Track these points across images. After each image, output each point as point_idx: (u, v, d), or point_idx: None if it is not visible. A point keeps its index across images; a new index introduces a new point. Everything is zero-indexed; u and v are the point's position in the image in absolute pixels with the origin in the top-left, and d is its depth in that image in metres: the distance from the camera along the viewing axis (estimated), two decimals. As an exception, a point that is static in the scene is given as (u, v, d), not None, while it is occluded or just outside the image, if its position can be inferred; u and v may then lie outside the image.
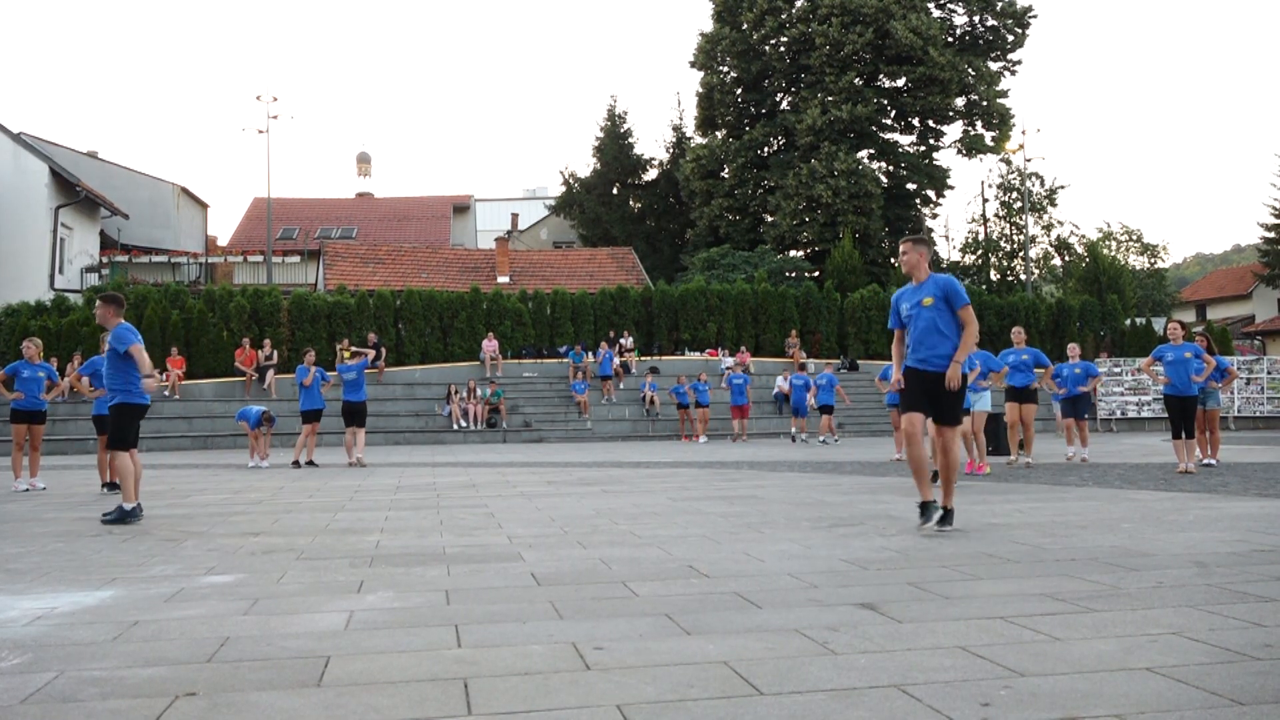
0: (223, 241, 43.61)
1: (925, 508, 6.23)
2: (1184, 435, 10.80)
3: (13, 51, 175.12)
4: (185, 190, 41.65)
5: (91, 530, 6.93)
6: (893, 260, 39.33)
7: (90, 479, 12.51)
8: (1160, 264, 55.12)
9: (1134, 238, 55.75)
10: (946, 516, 6.21)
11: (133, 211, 36.76)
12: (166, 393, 22.55)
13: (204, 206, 44.33)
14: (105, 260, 34.81)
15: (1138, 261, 54.36)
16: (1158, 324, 33.69)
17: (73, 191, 32.11)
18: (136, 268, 35.02)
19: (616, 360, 27.22)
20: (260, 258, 36.96)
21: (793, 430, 21.91)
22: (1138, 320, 34.43)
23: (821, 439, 20.64)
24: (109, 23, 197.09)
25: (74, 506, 8.82)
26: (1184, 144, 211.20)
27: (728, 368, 26.96)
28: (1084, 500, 7.96)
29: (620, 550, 5.55)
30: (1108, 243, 52.98)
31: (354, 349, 21.72)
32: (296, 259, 38.42)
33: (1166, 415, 11.19)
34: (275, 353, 25.03)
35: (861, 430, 24.92)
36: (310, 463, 14.61)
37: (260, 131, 35.10)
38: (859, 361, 29.55)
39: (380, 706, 2.70)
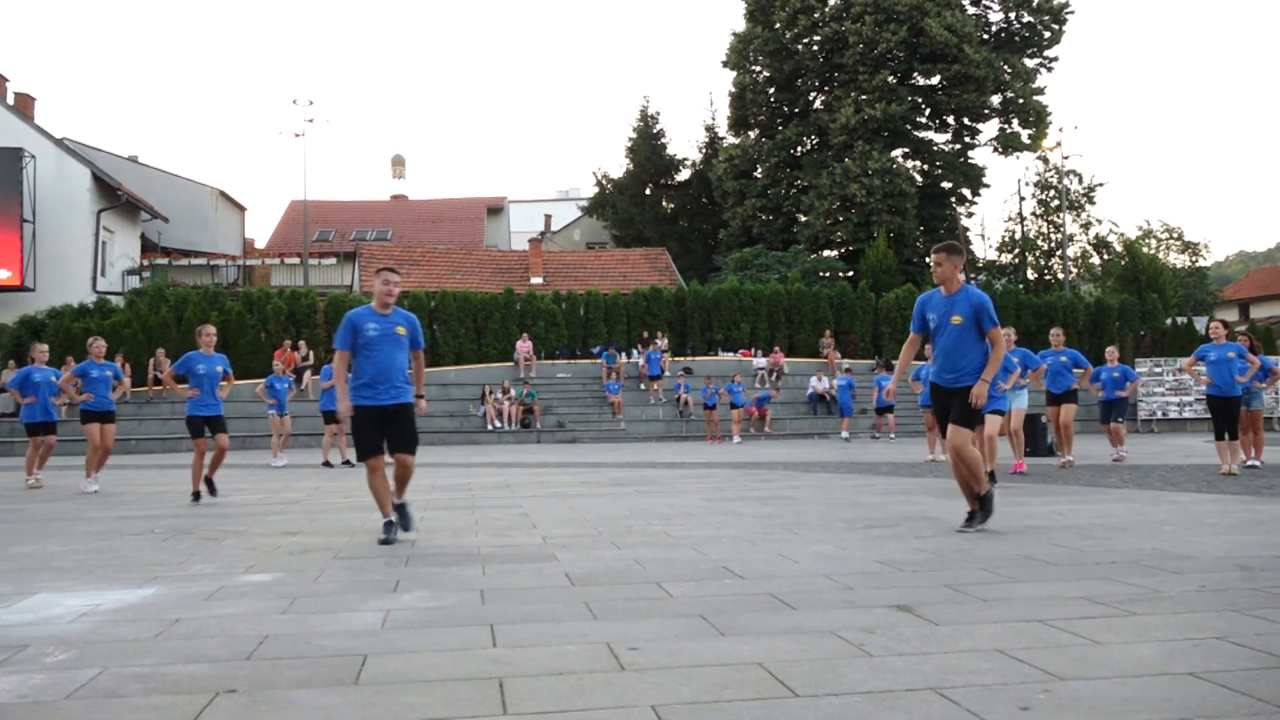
0: (260, 244, 44.16)
1: (971, 516, 6.24)
2: (1227, 436, 10.60)
3: (57, 59, 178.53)
4: (223, 193, 42.21)
5: (133, 529, 7.05)
6: (928, 260, 38.96)
7: (129, 479, 12.70)
8: (1202, 262, 54.09)
9: (1174, 235, 54.78)
10: (981, 503, 6.16)
11: (172, 215, 37.35)
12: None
13: (241, 209, 44.90)
14: (146, 263, 35.41)
15: (1178, 259, 53.39)
16: (1199, 323, 33.09)
17: (114, 195, 32.69)
18: (176, 270, 35.56)
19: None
20: (297, 260, 37.41)
21: (844, 433, 23.15)
22: (1179, 319, 33.86)
23: (892, 435, 22.59)
24: (151, 30, 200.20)
25: (115, 506, 8.97)
26: (1226, 140, 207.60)
27: (760, 369, 27.22)
28: (1124, 502, 7.85)
29: (654, 551, 5.55)
30: (1147, 241, 52.08)
31: None
32: (332, 261, 38.84)
33: (1209, 416, 11.01)
34: (311, 354, 25.27)
35: (898, 430, 24.72)
36: (346, 462, 14.62)
37: (297, 135, 35.64)
38: (893, 362, 29.34)
39: (416, 705, 2.72)
